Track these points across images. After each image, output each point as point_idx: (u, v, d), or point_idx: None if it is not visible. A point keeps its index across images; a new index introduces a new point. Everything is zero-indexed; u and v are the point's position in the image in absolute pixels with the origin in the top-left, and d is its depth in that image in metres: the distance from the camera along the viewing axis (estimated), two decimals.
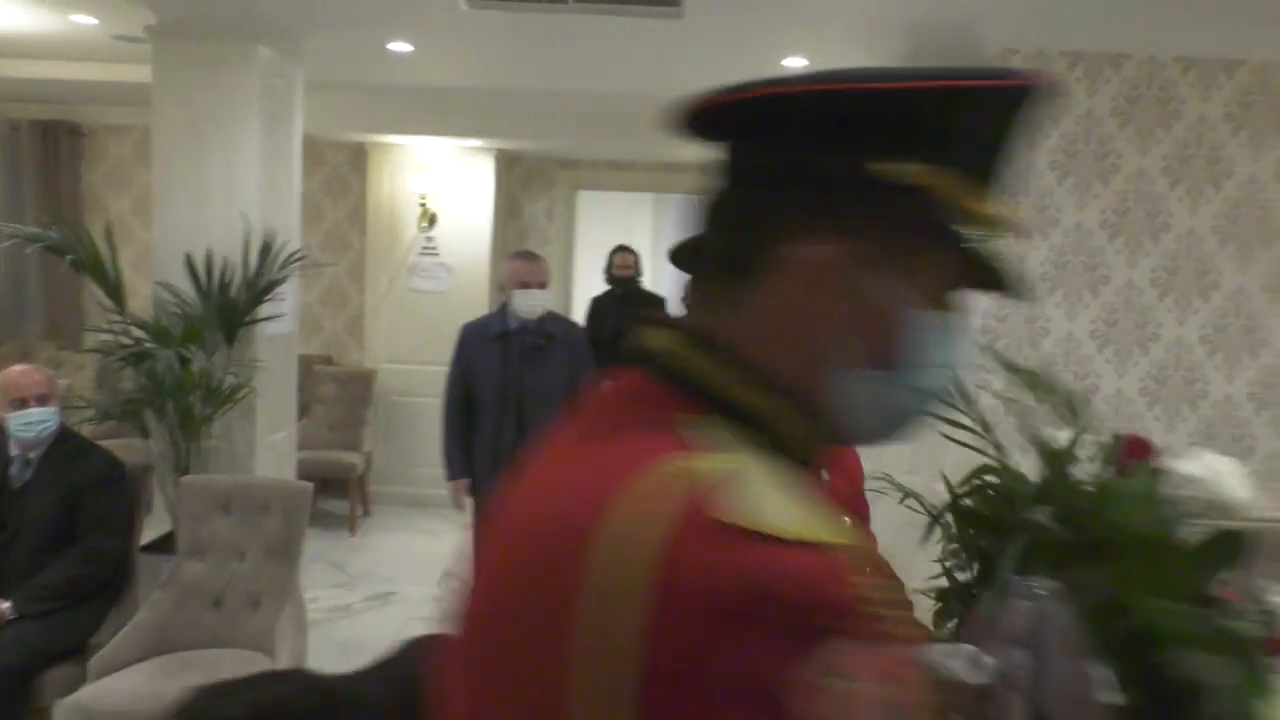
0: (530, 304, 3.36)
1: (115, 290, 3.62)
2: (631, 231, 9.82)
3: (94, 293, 7.25)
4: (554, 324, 3.47)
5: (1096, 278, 3.43)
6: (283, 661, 2.84)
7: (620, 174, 7.21)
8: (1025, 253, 3.40)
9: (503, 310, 3.47)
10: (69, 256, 3.40)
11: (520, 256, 3.51)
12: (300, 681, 0.97)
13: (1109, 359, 3.45)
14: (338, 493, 5.90)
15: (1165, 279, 3.44)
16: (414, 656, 0.92)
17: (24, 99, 6.69)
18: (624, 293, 5.79)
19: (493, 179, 6.45)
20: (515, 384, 3.35)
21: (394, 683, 0.89)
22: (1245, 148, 3.38)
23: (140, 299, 4.29)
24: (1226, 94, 3.36)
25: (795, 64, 4.60)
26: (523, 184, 7.10)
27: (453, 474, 3.51)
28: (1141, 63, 3.36)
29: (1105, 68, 3.36)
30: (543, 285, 3.39)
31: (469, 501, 3.52)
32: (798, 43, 4.12)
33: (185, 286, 3.76)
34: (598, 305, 5.87)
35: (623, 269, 5.84)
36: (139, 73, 5.73)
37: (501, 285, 3.45)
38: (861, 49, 4.19)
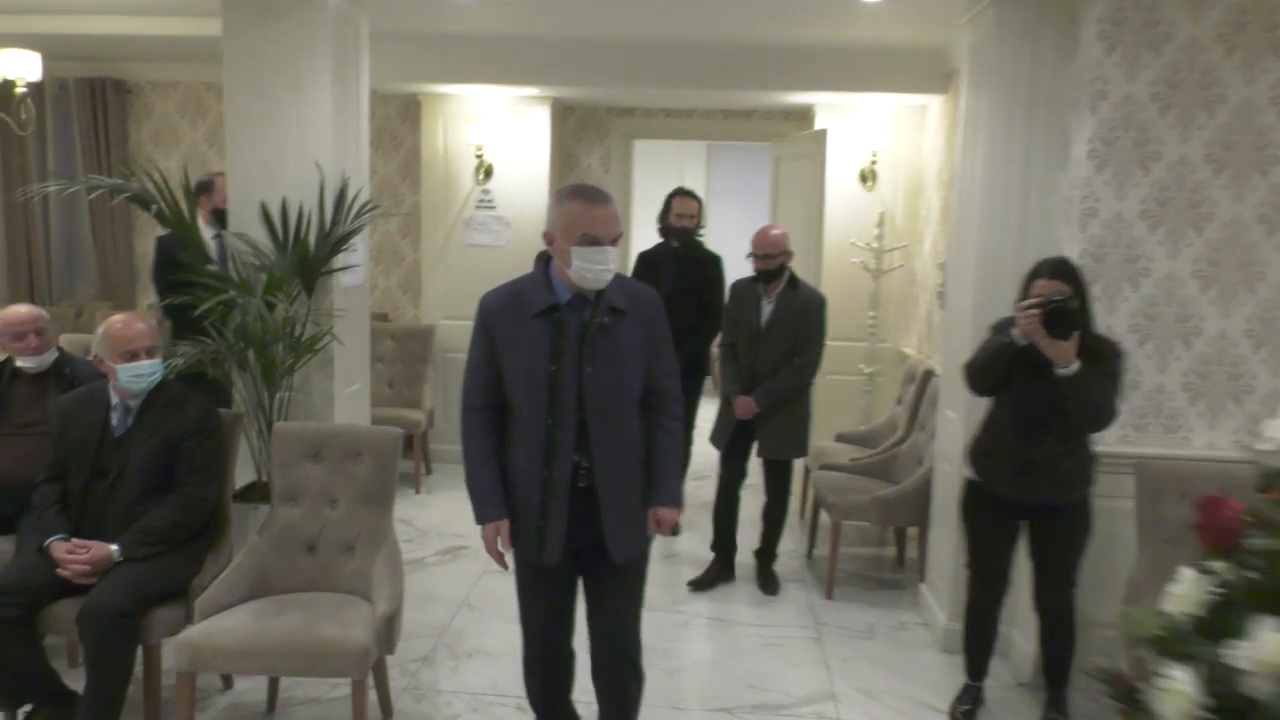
0: (600, 268, 2.36)
1: (196, 243, 3.75)
2: (684, 182, 9.86)
3: (144, 254, 7.47)
4: (623, 292, 2.47)
5: (1200, 214, 3.43)
6: (381, 605, 2.98)
7: (676, 122, 7.23)
8: (1125, 189, 3.41)
9: (545, 273, 2.46)
10: (153, 207, 3.52)
11: (581, 196, 2.38)
12: None
13: (1212, 300, 3.46)
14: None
15: (1274, 215, 3.43)
16: None
17: (70, 56, 6.84)
18: (681, 247, 5.01)
19: (549, 128, 6.50)
20: (573, 377, 2.40)
21: None
22: None
23: None
24: None
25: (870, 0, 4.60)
26: (577, 134, 7.15)
27: (483, 514, 2.50)
28: None
29: None
30: (616, 241, 2.38)
31: (511, 556, 2.58)
32: None
33: (260, 236, 3.88)
34: (647, 262, 5.09)
35: (682, 218, 5.02)
36: (185, 26, 5.88)
37: (550, 239, 2.41)
38: None
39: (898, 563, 5.03)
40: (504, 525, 2.51)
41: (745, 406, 4.37)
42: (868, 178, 6.30)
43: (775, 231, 4.39)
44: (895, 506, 4.48)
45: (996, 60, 3.68)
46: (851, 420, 6.10)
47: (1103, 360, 2.98)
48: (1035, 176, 3.69)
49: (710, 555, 4.70)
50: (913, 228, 6.33)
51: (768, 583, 4.57)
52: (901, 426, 5.09)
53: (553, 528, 2.47)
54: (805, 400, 4.48)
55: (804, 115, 6.81)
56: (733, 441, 4.49)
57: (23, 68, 4.66)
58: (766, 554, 4.64)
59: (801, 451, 4.52)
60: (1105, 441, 3.39)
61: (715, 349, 4.84)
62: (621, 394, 2.46)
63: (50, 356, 3.65)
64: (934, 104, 6.05)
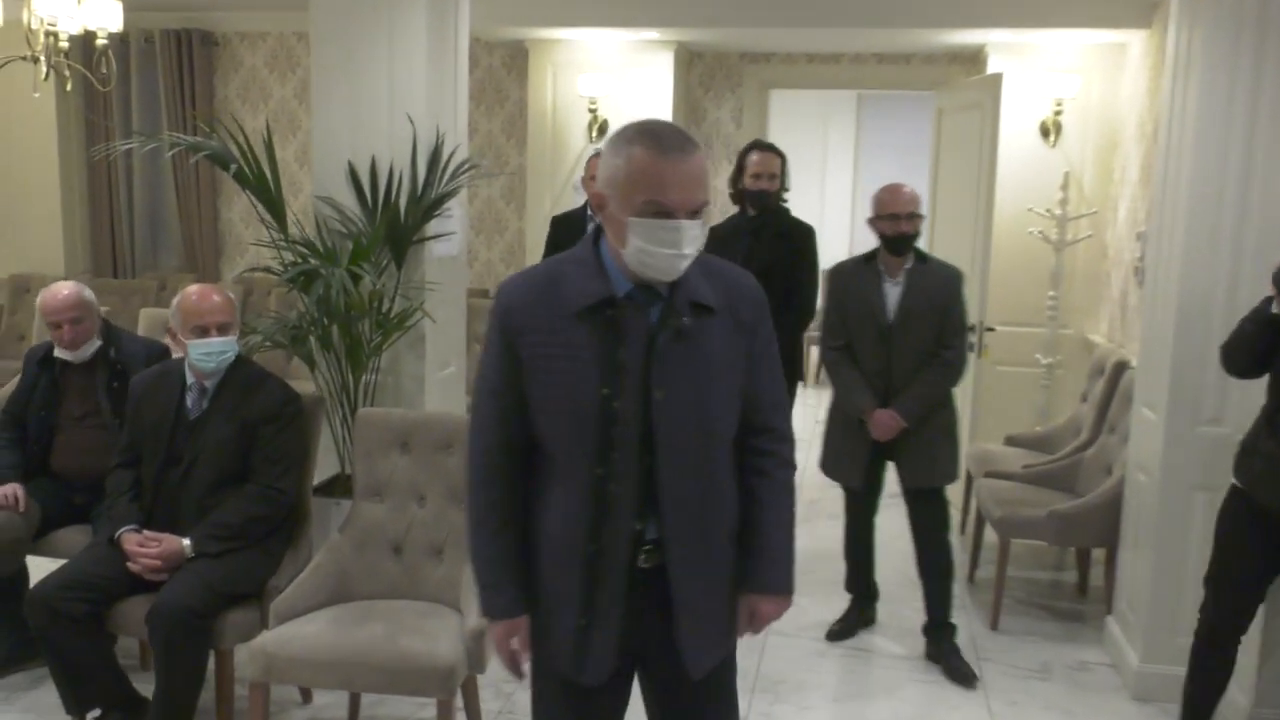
0: (669, 253, 1.81)
1: (277, 207, 3.85)
2: (829, 139, 9.68)
3: (229, 221, 7.80)
4: (711, 279, 1.94)
5: None
6: (471, 618, 3.00)
7: (819, 68, 7.08)
8: None
9: (594, 253, 1.92)
10: (232, 166, 3.63)
11: (649, 140, 1.80)
12: None
13: None
14: None
15: None
16: None
17: (155, 6, 7.17)
18: (759, 216, 4.53)
19: (671, 78, 6.47)
20: (635, 405, 1.86)
21: None
22: None
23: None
24: None
25: None
26: (705, 83, 7.09)
27: (492, 605, 1.99)
28: None
29: None
30: (696, 212, 1.82)
31: (527, 664, 2.06)
32: None
33: (346, 200, 3.96)
34: (720, 239, 4.46)
35: (759, 179, 4.46)
36: None
37: (600, 202, 1.87)
38: None
39: (1079, 591, 4.82)
40: (522, 623, 1.99)
41: (887, 423, 3.84)
42: (1050, 131, 6.04)
43: (908, 187, 3.89)
44: (1077, 523, 4.28)
45: None
46: (1025, 420, 5.87)
47: None
48: (1262, 125, 3.44)
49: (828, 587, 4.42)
50: (1105, 191, 6.03)
51: (956, 669, 3.90)
52: (1087, 428, 4.88)
53: (600, 630, 1.92)
54: (952, 406, 4.03)
55: (973, 58, 6.56)
56: (867, 472, 4.02)
57: (104, 17, 4.89)
58: (941, 625, 4.02)
59: (957, 472, 4.07)
60: None
61: (815, 347, 4.55)
62: (708, 430, 1.93)
63: (90, 348, 3.66)
64: (1135, 41, 5.74)
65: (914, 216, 3.81)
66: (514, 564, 1.98)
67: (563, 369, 1.87)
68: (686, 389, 1.88)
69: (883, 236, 3.86)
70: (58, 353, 3.66)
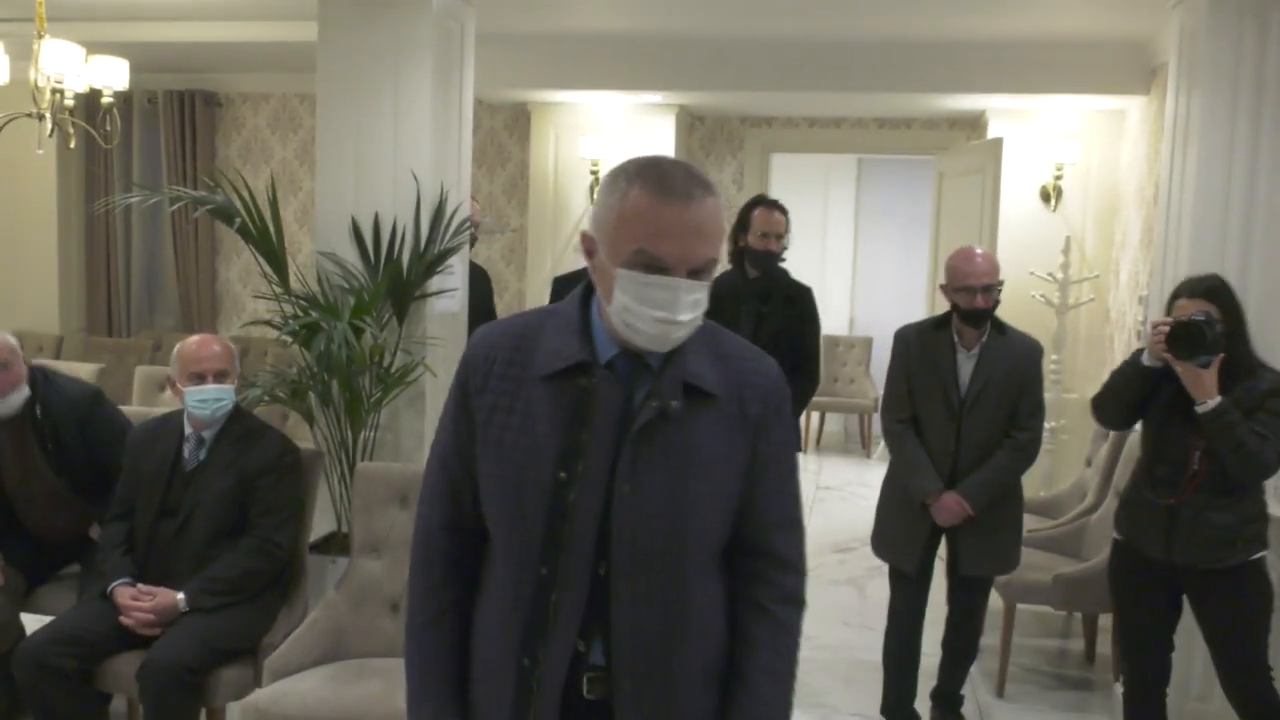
0: (659, 316, 1.51)
1: (279, 261, 3.91)
2: (830, 203, 9.81)
3: (227, 281, 7.87)
4: (714, 357, 1.63)
5: None
6: None
7: (820, 132, 7.22)
8: None
9: (580, 310, 1.64)
10: (236, 220, 3.70)
11: (649, 179, 1.51)
12: None
13: None
14: None
15: None
16: None
17: (160, 68, 7.32)
18: (763, 277, 4.23)
19: (673, 141, 6.59)
20: (595, 499, 1.56)
21: None
22: None
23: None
24: None
25: None
26: (706, 147, 7.22)
27: (418, 709, 1.70)
28: None
29: None
30: (700, 271, 1.53)
31: None
32: None
33: (349, 255, 4.02)
34: (716, 299, 3.29)
35: (768, 239, 4.17)
36: (280, 31, 6.21)
37: (590, 247, 1.60)
38: None
39: (1087, 659, 4.78)
40: None
41: (954, 509, 3.52)
42: (1051, 196, 6.14)
43: (981, 254, 3.60)
44: (1084, 588, 4.26)
45: (1212, 49, 3.55)
46: (1030, 485, 5.83)
47: (1264, 397, 2.90)
48: (1261, 189, 3.53)
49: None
50: (1106, 255, 6.11)
51: None
52: (1092, 492, 4.88)
53: None
54: (1019, 490, 3.75)
55: (974, 123, 6.69)
56: (923, 558, 3.68)
57: (110, 76, 5.00)
58: (948, 696, 3.89)
59: (1016, 562, 3.76)
60: None
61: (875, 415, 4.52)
62: (682, 542, 1.59)
63: (19, 396, 3.44)
64: (1134, 107, 5.86)
65: (990, 289, 3.50)
66: (447, 668, 1.69)
67: (514, 442, 1.58)
68: (661, 487, 1.56)
69: (956, 309, 3.56)
70: None
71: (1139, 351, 3.05)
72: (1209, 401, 2.86)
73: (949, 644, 3.85)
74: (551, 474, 1.55)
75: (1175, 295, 3.01)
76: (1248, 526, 2.99)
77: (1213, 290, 2.94)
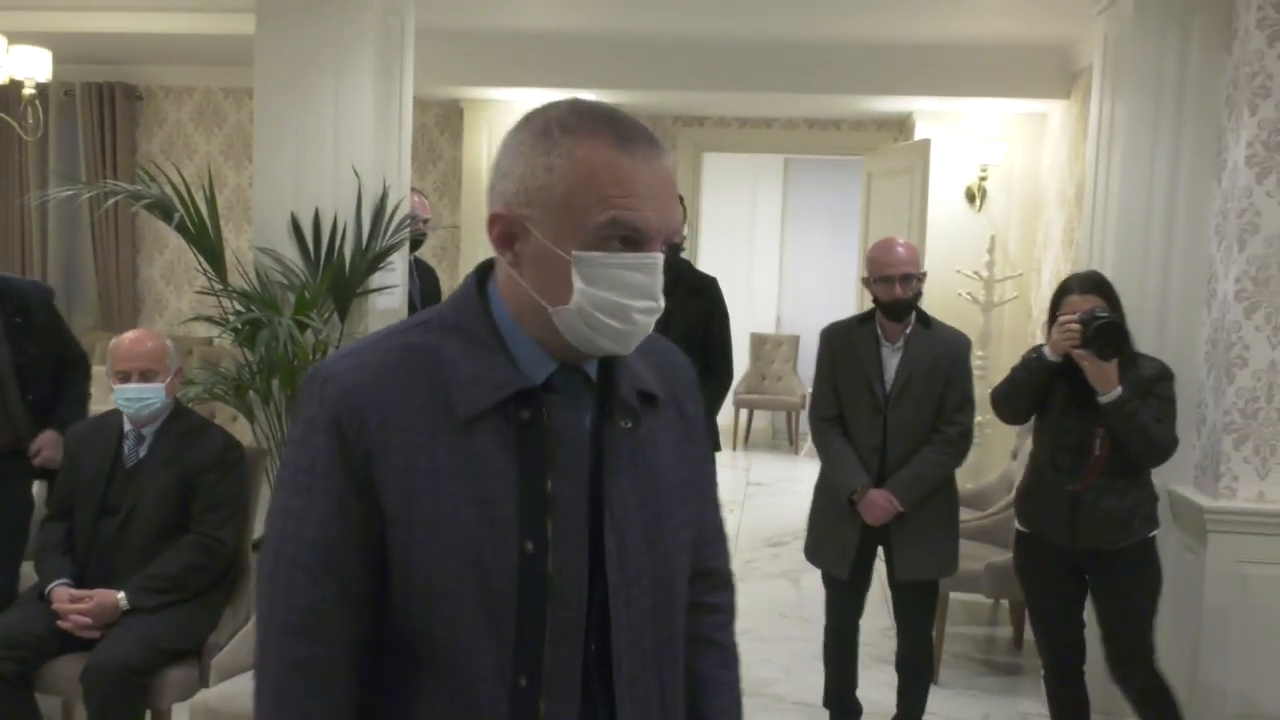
0: (644, 305, 1.21)
1: (216, 257, 3.87)
2: (758, 203, 9.94)
3: (149, 279, 7.71)
4: (640, 355, 1.29)
5: None
6: None
7: (751, 133, 7.32)
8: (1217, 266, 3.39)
9: (485, 318, 1.24)
10: (175, 216, 3.65)
11: (603, 127, 1.19)
12: None
13: None
14: None
15: None
16: None
17: (78, 59, 7.12)
18: (665, 269, 4.04)
19: None
20: (575, 565, 1.21)
21: None
22: None
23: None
24: None
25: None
26: None
27: None
28: None
29: None
30: (674, 247, 1.50)
31: None
32: None
33: (288, 251, 3.99)
34: None
35: None
36: (206, 23, 6.11)
37: (510, 228, 1.21)
38: None
39: (1015, 645, 4.94)
40: None
41: (881, 505, 3.43)
42: (976, 196, 6.30)
43: (902, 244, 3.55)
44: (1012, 576, 4.38)
45: (1136, 55, 3.68)
46: (959, 477, 5.97)
47: (1150, 384, 3.11)
48: (1182, 191, 3.68)
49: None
50: (1029, 254, 6.31)
51: None
52: (1018, 484, 5.02)
53: None
54: (954, 488, 3.68)
55: (901, 124, 6.85)
56: (856, 561, 3.54)
57: (32, 67, 4.89)
58: None
59: (955, 564, 3.64)
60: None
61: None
62: (670, 594, 1.30)
63: None
64: (1055, 110, 6.06)
65: (908, 278, 3.42)
66: None
67: (452, 516, 1.16)
68: (639, 528, 1.24)
69: (877, 301, 3.48)
70: None
71: (1038, 347, 3.22)
72: (1112, 392, 3.02)
73: (902, 663, 3.69)
74: (515, 548, 1.17)
75: (1065, 291, 3.17)
76: (1142, 507, 3.19)
77: (1100, 284, 3.15)
